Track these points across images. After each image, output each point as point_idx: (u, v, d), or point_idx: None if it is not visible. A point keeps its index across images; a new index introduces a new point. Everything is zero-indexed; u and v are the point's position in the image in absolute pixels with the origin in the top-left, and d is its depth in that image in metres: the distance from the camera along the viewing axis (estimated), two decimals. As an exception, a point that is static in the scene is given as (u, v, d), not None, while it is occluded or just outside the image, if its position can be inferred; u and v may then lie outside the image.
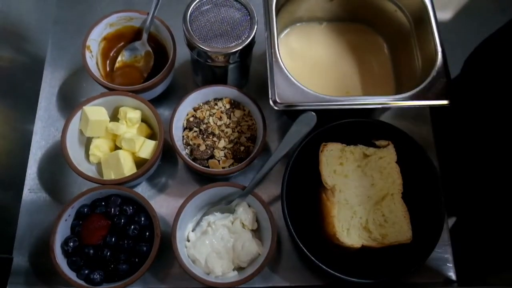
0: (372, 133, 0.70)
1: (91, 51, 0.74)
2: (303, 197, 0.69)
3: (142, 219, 0.65)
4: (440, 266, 0.71)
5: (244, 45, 0.66)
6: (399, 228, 0.63)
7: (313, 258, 0.61)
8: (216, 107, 0.73)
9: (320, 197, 0.66)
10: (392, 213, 0.64)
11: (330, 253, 0.65)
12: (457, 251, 0.72)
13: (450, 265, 0.72)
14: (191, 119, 0.73)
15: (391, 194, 0.65)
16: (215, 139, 0.71)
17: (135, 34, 0.78)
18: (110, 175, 0.69)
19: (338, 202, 0.63)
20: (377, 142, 0.69)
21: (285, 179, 0.65)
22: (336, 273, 0.61)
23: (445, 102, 0.66)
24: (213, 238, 0.65)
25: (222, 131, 0.72)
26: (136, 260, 0.63)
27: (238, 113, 0.73)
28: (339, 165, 0.66)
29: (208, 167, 0.70)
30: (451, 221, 0.73)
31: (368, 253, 0.65)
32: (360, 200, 0.65)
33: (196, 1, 0.67)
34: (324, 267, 0.61)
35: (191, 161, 0.69)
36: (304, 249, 0.62)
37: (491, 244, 0.73)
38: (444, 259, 0.72)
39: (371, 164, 0.66)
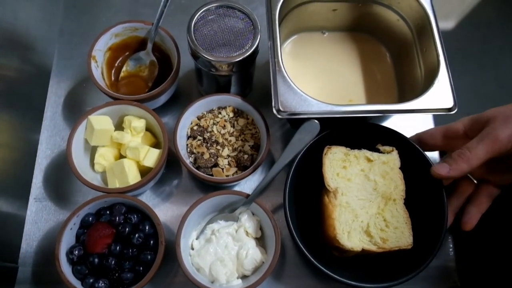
0: (376, 139, 0.70)
1: (96, 61, 0.75)
2: (307, 202, 0.70)
3: (147, 227, 0.65)
4: (444, 274, 0.71)
5: (247, 54, 0.67)
6: (400, 233, 0.63)
7: (319, 265, 0.61)
8: (220, 115, 0.74)
9: (322, 200, 0.66)
10: (394, 218, 0.64)
11: (334, 259, 0.65)
12: (460, 259, 0.71)
13: (454, 273, 0.71)
14: (195, 127, 0.73)
15: (393, 199, 0.65)
16: (219, 147, 0.71)
17: (140, 44, 0.79)
18: (114, 183, 0.69)
19: (339, 205, 0.63)
20: (382, 148, 0.69)
21: (287, 185, 0.65)
22: (345, 280, 0.61)
23: (447, 110, 0.66)
24: (217, 246, 0.65)
25: (226, 139, 0.72)
26: (141, 268, 0.64)
27: (241, 121, 0.74)
28: (342, 169, 0.66)
29: (212, 175, 0.71)
30: (454, 229, 0.72)
31: (371, 259, 0.65)
32: (362, 204, 0.65)
33: (200, 11, 0.68)
34: (331, 273, 0.61)
35: (195, 170, 0.69)
36: (308, 255, 0.62)
37: (495, 253, 0.73)
38: (448, 267, 0.72)
39: (374, 169, 0.66)
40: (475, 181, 0.69)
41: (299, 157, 0.67)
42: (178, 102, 0.82)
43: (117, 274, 0.63)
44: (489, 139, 0.59)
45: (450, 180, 0.68)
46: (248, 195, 0.66)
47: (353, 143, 0.68)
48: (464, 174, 0.62)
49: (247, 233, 0.67)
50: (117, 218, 0.65)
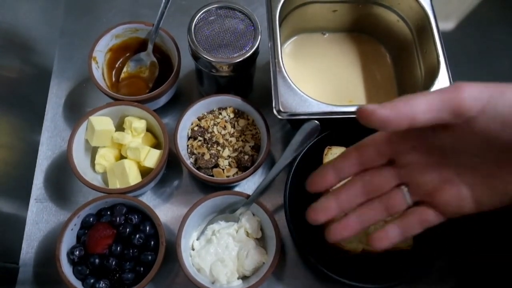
0: None
1: (97, 62, 0.75)
2: (307, 202, 0.69)
3: (147, 228, 0.65)
4: (444, 275, 0.71)
5: (248, 55, 0.67)
6: None
7: (319, 265, 0.61)
8: (220, 116, 0.74)
9: None
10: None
11: (334, 259, 0.65)
12: (460, 260, 0.71)
13: (454, 274, 0.71)
14: (196, 128, 0.73)
15: None
16: (219, 148, 0.72)
17: (141, 45, 0.79)
18: (115, 184, 0.69)
19: None
20: None
21: (287, 186, 0.65)
22: (345, 280, 0.61)
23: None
24: (218, 246, 0.65)
25: (227, 140, 0.72)
26: (141, 269, 0.64)
27: (242, 122, 0.74)
28: None
29: (212, 176, 0.71)
30: (454, 230, 0.72)
31: (371, 260, 0.65)
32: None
33: (200, 12, 0.68)
34: (331, 273, 0.61)
35: (196, 170, 0.69)
36: (309, 255, 0.62)
37: (495, 254, 0.73)
38: (448, 267, 0.72)
39: None
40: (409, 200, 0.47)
41: (299, 157, 0.67)
42: (179, 103, 0.82)
43: (117, 275, 0.63)
44: (447, 87, 0.40)
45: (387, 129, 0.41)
46: (248, 196, 0.66)
47: (354, 144, 0.68)
48: (399, 121, 0.39)
49: (247, 234, 0.67)
50: (118, 218, 0.65)
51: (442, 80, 0.68)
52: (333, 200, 0.49)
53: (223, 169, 0.71)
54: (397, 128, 0.40)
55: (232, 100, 0.73)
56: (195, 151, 0.72)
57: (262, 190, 0.65)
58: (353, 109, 0.65)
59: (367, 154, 0.48)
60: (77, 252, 0.63)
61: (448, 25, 0.94)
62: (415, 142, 0.45)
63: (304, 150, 0.67)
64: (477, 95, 0.38)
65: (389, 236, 0.47)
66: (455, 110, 0.38)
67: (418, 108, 0.39)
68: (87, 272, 0.63)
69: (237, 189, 0.76)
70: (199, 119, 0.74)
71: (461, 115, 0.39)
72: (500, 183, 0.41)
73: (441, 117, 0.39)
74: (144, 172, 0.71)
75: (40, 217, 0.74)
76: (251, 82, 0.80)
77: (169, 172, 0.77)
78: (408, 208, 0.47)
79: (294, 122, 0.71)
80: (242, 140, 0.73)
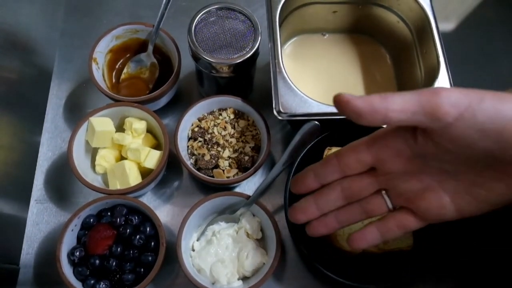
0: None
1: (97, 63, 0.75)
2: None
3: (148, 228, 0.65)
4: (444, 274, 0.71)
5: (248, 56, 0.67)
6: None
7: (319, 266, 0.61)
8: (220, 117, 0.74)
9: None
10: None
11: (334, 260, 0.65)
12: (460, 260, 0.71)
13: (454, 273, 0.71)
14: (196, 129, 0.73)
15: None
16: (219, 149, 0.72)
17: (141, 46, 0.79)
18: (115, 185, 0.69)
19: None
20: None
21: (287, 186, 0.65)
22: (345, 280, 0.61)
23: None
24: (218, 247, 0.65)
25: (227, 141, 0.72)
26: (142, 270, 0.64)
27: (242, 123, 0.74)
28: None
29: (212, 176, 0.71)
30: (454, 230, 0.72)
31: (371, 260, 0.65)
32: None
33: (201, 13, 0.68)
34: (331, 274, 0.61)
35: (196, 171, 0.69)
36: (309, 256, 0.62)
37: (495, 253, 0.73)
38: (448, 267, 0.72)
39: None
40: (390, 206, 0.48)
41: (299, 158, 0.67)
42: (179, 104, 0.82)
43: (118, 276, 0.63)
44: (426, 90, 0.39)
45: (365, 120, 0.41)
46: (248, 197, 0.66)
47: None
48: (373, 116, 0.40)
49: (247, 235, 0.67)
50: (118, 219, 0.65)
51: (442, 80, 0.68)
52: (312, 202, 0.51)
53: (223, 170, 0.71)
54: (370, 123, 0.40)
55: (232, 101, 0.73)
56: (195, 152, 0.72)
57: (263, 191, 0.65)
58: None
59: (347, 162, 0.49)
60: (78, 253, 0.63)
61: (448, 25, 0.94)
62: (396, 150, 0.45)
63: (304, 151, 0.67)
64: (455, 101, 0.37)
65: (367, 238, 0.48)
66: (432, 113, 0.38)
67: (393, 106, 0.39)
68: (88, 273, 0.63)
69: (237, 189, 0.76)
70: (199, 120, 0.74)
71: (437, 119, 0.38)
72: (482, 191, 0.41)
73: (417, 119, 0.39)
74: (144, 173, 0.71)
75: (40, 218, 0.74)
76: (251, 83, 0.80)
77: (169, 173, 0.77)
78: (389, 212, 0.48)
79: (294, 123, 0.71)
80: (242, 141, 0.73)
